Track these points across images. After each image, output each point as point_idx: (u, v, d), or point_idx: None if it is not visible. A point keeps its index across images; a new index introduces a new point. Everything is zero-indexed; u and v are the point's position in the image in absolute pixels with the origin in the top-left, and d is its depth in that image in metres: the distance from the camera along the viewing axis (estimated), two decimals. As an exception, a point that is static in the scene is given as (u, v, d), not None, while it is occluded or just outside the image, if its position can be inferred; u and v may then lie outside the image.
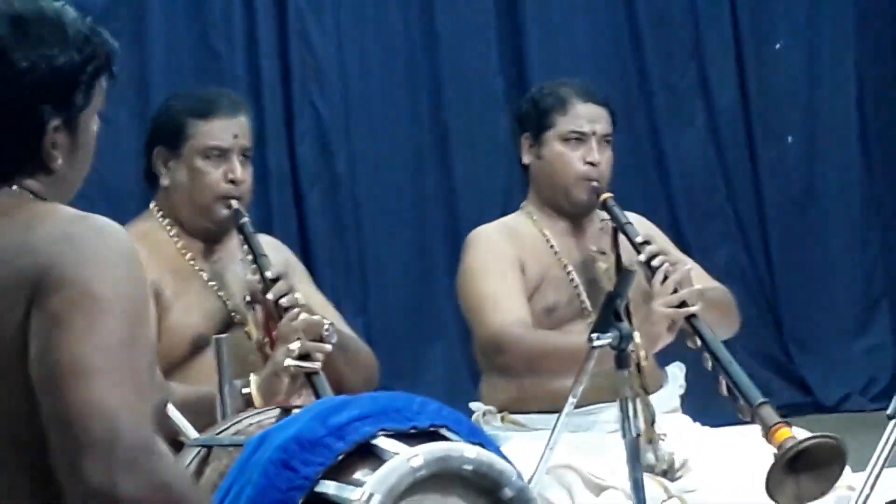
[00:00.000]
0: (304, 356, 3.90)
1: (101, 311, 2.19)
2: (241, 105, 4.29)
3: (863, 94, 7.38)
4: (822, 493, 4.09)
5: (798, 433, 4.03)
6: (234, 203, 4.17)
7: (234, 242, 4.27)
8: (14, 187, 2.35)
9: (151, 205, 4.27)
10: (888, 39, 7.43)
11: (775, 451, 3.97)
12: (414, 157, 6.80)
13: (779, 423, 4.01)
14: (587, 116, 4.59)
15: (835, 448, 4.05)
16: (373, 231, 6.69)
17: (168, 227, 4.24)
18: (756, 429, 4.27)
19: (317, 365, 3.90)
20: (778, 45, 7.26)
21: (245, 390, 3.85)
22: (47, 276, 2.21)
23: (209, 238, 4.25)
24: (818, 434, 4.10)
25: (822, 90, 7.34)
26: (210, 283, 4.22)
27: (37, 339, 2.20)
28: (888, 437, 2.49)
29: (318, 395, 3.89)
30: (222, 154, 4.18)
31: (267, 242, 4.34)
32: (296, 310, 3.97)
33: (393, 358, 6.58)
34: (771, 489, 4.00)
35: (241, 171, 4.18)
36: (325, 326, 4.07)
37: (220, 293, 4.21)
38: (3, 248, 2.26)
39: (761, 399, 4.06)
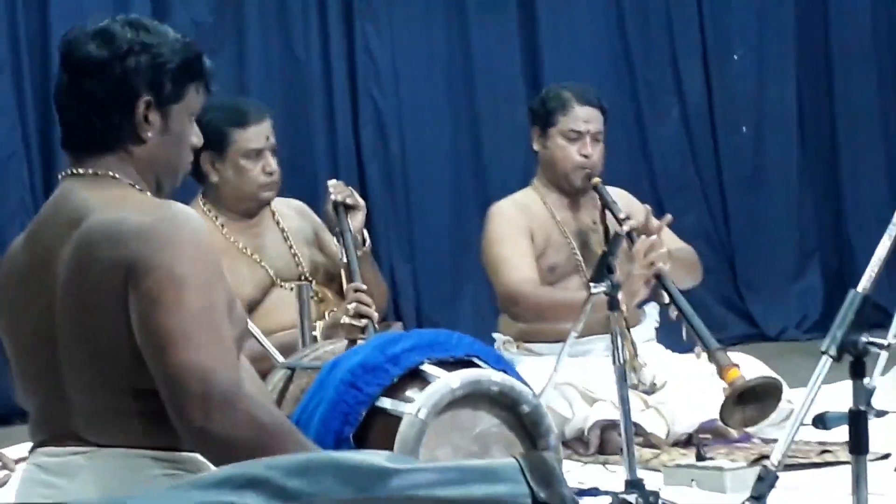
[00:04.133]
0: (357, 315, 3.88)
1: (182, 287, 2.16)
2: (266, 111, 4.29)
3: (801, 94, 7.31)
4: (762, 419, 4.08)
5: (745, 373, 3.99)
6: (268, 195, 4.16)
7: (267, 215, 4.26)
8: (113, 174, 2.31)
9: (199, 199, 4.24)
10: (821, 51, 7.37)
11: (726, 386, 3.95)
12: (452, 139, 6.75)
13: (730, 364, 3.98)
14: (584, 118, 4.57)
15: (772, 385, 4.03)
16: (419, 196, 6.65)
17: (214, 217, 4.21)
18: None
19: (364, 322, 3.88)
20: (735, 56, 7.21)
21: (313, 333, 3.86)
22: (137, 264, 2.18)
23: (249, 216, 4.24)
24: (760, 376, 4.07)
25: (770, 91, 7.26)
26: (253, 257, 4.20)
27: (135, 314, 2.19)
28: (820, 370, 2.46)
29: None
30: (259, 153, 4.16)
31: (295, 206, 4.34)
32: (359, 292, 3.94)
33: (434, 295, 6.59)
34: (723, 416, 3.99)
35: (274, 164, 4.18)
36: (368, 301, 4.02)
37: (262, 264, 4.20)
38: (100, 238, 2.23)
39: (717, 345, 4.04)
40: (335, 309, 4.05)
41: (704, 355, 4.07)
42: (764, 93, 7.25)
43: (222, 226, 4.21)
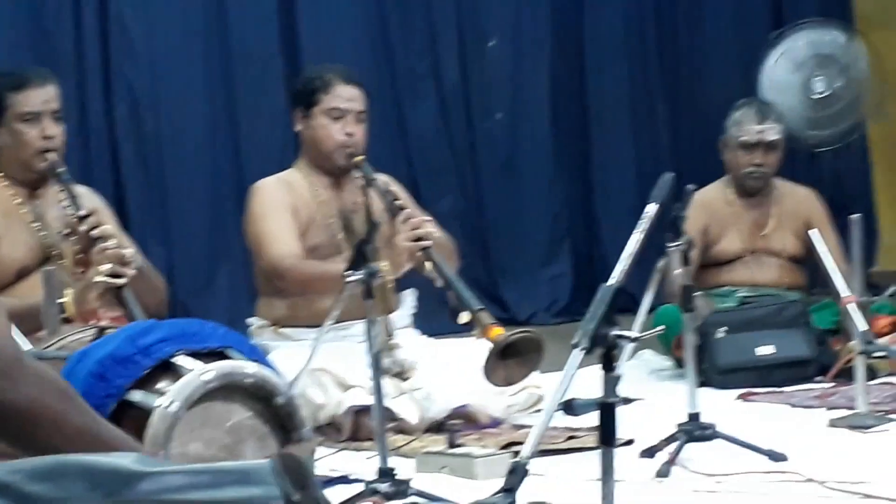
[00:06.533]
0: (112, 275, 3.80)
1: None
2: (49, 76, 4.16)
3: (555, 83, 7.45)
4: (526, 376, 4.20)
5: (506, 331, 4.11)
6: (50, 156, 4.05)
7: (54, 189, 4.15)
8: None
9: None
10: (575, 41, 7.52)
11: (491, 344, 4.06)
12: (208, 118, 6.66)
13: (492, 323, 4.10)
14: (347, 96, 4.58)
15: (534, 340, 4.16)
16: (174, 178, 6.54)
17: (1, 177, 4.10)
18: (467, 340, 4.33)
19: (122, 280, 3.80)
20: (491, 43, 7.30)
21: (59, 300, 3.74)
22: None
23: (33, 185, 4.13)
24: (522, 330, 4.20)
25: (524, 78, 7.38)
26: (33, 224, 4.09)
27: None
28: (572, 364, 2.51)
29: (126, 307, 3.80)
30: (36, 117, 4.04)
31: (82, 192, 4.24)
32: (107, 240, 3.87)
33: (188, 279, 6.49)
34: (487, 373, 4.08)
35: (53, 129, 4.06)
36: (128, 254, 3.98)
37: (40, 232, 4.09)
38: None
39: (479, 306, 4.16)
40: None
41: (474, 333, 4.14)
42: (518, 80, 7.36)
43: (7, 186, 4.10)
